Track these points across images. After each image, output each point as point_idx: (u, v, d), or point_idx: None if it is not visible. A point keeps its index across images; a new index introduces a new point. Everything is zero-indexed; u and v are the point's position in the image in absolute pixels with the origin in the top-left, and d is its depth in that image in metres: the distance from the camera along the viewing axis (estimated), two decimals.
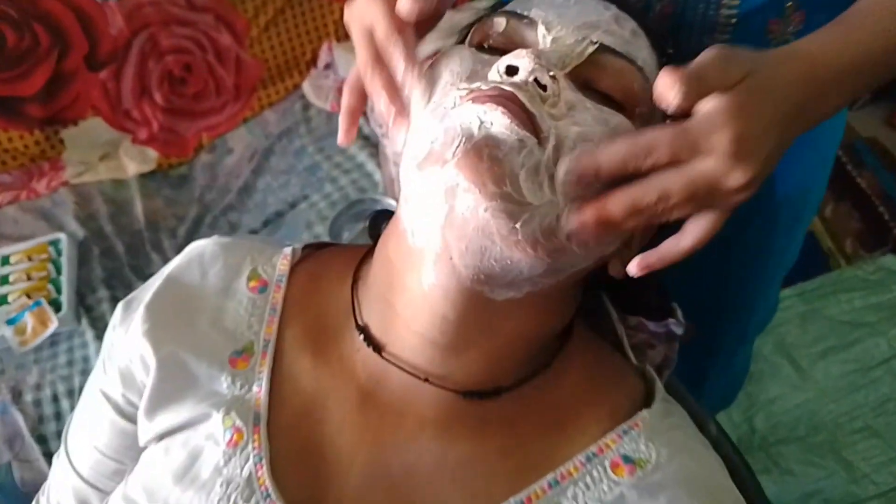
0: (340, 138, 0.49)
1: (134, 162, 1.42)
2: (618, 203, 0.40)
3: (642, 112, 0.44)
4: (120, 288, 1.22)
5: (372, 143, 1.40)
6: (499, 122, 0.40)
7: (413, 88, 0.45)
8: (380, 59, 0.45)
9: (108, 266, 1.27)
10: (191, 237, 1.34)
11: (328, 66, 1.53)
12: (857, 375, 1.44)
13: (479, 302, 0.45)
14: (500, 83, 0.41)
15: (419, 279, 0.45)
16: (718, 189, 0.40)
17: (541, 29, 0.44)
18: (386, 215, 0.56)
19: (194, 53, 1.43)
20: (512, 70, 0.42)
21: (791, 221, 0.78)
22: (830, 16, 0.59)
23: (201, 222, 1.37)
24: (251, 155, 1.46)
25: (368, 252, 0.54)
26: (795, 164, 0.63)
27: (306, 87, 1.53)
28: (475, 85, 0.42)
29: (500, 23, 0.46)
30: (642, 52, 0.46)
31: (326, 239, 1.29)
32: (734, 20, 0.58)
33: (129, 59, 1.39)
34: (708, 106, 0.39)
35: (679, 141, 0.39)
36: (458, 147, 0.40)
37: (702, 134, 0.39)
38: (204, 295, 0.54)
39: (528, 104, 0.40)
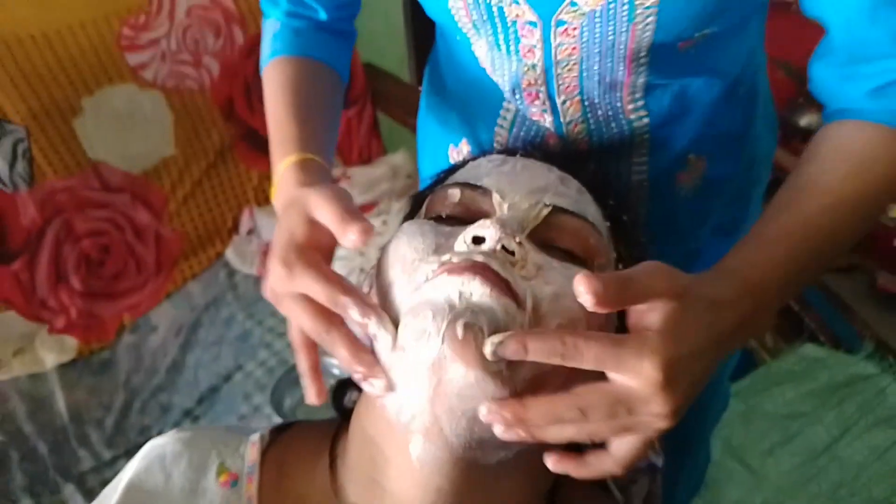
0: (311, 398, 0.47)
1: (52, 353, 1.35)
2: (538, 411, 0.40)
3: (601, 263, 0.47)
4: (46, 495, 1.12)
5: None
6: (478, 292, 0.41)
7: (382, 328, 0.43)
8: (332, 320, 0.44)
9: (30, 470, 1.17)
10: (120, 426, 1.27)
11: (251, 232, 1.54)
12: (806, 467, 1.47)
13: (472, 468, 0.44)
14: (470, 253, 0.43)
15: (407, 455, 0.44)
16: (640, 411, 0.40)
17: (495, 197, 0.47)
18: (349, 384, 0.55)
19: (111, 234, 1.41)
20: (479, 240, 0.44)
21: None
22: (728, 161, 0.65)
23: (130, 409, 1.30)
24: (177, 330, 1.43)
25: (339, 427, 0.53)
26: None
27: (230, 253, 1.53)
28: (445, 257, 0.43)
29: (455, 194, 0.49)
30: (590, 207, 0.50)
31: (267, 409, 1.25)
32: (646, 183, 0.63)
33: (42, 246, 1.35)
34: (644, 321, 0.40)
35: (607, 352, 0.39)
36: (443, 321, 0.40)
37: (631, 357, 0.39)
38: (171, 499, 0.50)
39: (501, 271, 0.42)
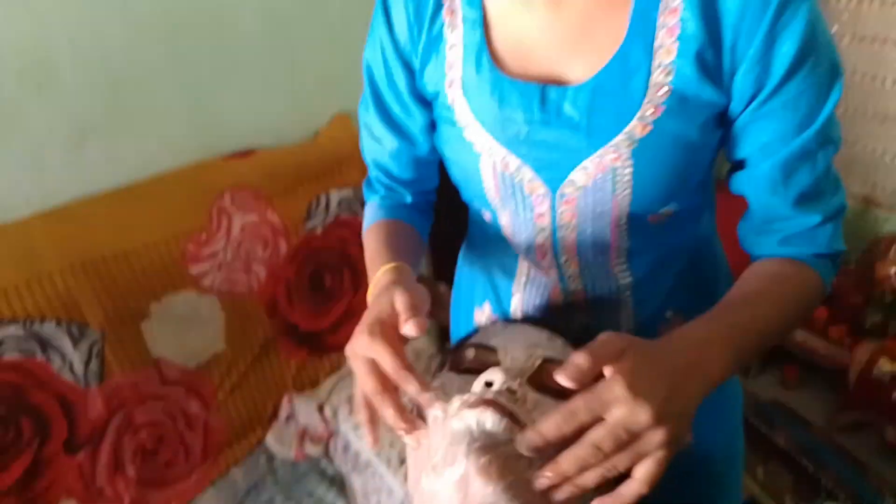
0: (370, 443, 0.64)
1: None
2: (566, 460, 0.55)
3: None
4: None
5: (338, 483, 1.50)
6: (490, 420, 0.57)
7: (431, 406, 0.61)
8: (387, 388, 0.62)
9: None
10: None
11: (289, 418, 1.68)
12: None
13: None
14: (483, 393, 0.60)
15: None
16: (633, 428, 0.54)
17: (500, 353, 0.65)
18: None
19: (166, 425, 1.56)
20: (489, 384, 0.60)
21: (720, 477, 0.92)
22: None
23: None
24: None
25: None
26: (707, 429, 0.83)
27: (270, 439, 1.66)
28: (465, 396, 0.60)
29: (471, 352, 0.67)
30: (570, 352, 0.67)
31: None
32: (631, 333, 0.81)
33: (105, 438, 1.50)
34: (606, 372, 0.56)
35: (591, 402, 0.54)
36: (464, 446, 0.55)
37: (605, 391, 0.54)
38: None
39: (506, 405, 0.58)
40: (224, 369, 1.64)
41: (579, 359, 0.55)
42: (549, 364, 0.64)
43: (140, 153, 1.57)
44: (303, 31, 1.73)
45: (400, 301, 0.64)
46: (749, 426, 2.01)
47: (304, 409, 1.65)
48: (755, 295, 0.69)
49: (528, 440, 0.55)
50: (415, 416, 0.62)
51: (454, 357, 0.68)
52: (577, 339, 0.68)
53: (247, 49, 1.66)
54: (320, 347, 1.78)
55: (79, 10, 1.44)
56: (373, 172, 0.91)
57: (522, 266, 0.85)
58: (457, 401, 0.59)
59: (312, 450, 1.60)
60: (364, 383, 0.63)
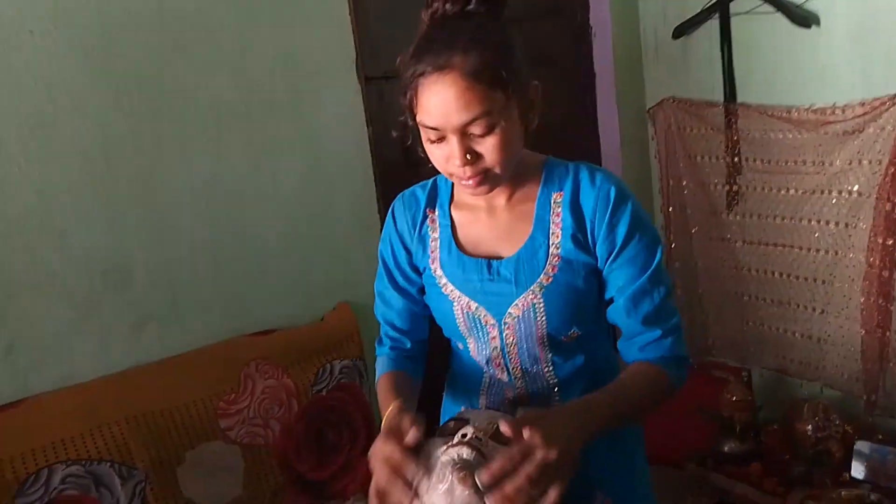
0: None
1: None
2: (509, 486, 0.85)
3: None
4: None
5: None
6: (465, 452, 0.91)
7: (422, 479, 0.91)
8: (397, 475, 0.91)
9: None
10: None
11: None
12: None
13: None
14: (460, 439, 0.94)
15: None
16: (548, 462, 0.85)
17: (471, 421, 0.98)
18: None
19: None
20: (464, 434, 0.95)
21: None
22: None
23: None
24: None
25: None
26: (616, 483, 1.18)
27: None
28: (449, 442, 0.94)
29: (451, 424, 1.01)
30: None
31: None
32: None
33: None
34: (527, 433, 0.88)
35: (522, 448, 0.87)
36: (450, 468, 0.89)
37: (529, 441, 0.87)
38: None
39: (475, 444, 0.92)
40: None
41: (504, 426, 0.92)
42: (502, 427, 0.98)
43: (186, 334, 2.00)
44: (313, 244, 2.24)
45: (406, 418, 0.96)
46: None
47: None
48: (620, 384, 1.10)
49: (484, 476, 0.87)
50: (413, 495, 0.91)
51: (440, 429, 1.03)
52: None
53: (270, 257, 2.15)
54: (322, 495, 2.06)
55: (149, 229, 1.95)
56: (382, 329, 1.32)
57: (485, 377, 1.24)
58: (443, 446, 0.94)
59: None
60: (380, 475, 0.93)
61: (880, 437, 2.29)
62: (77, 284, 1.85)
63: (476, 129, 0.99)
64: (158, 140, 1.95)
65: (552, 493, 0.88)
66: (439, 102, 0.97)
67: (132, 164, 1.91)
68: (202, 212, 2.03)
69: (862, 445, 2.27)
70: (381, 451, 0.94)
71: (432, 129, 1.01)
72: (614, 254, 1.10)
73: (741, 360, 2.77)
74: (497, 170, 1.04)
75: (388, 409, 1.09)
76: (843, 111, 2.29)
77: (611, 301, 1.13)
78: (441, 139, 1.02)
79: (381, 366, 1.28)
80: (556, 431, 0.90)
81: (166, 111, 1.96)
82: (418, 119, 1.03)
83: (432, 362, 1.34)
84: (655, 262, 1.11)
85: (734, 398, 2.51)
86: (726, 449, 2.47)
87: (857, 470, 2.26)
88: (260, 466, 1.98)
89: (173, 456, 1.85)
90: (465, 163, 1.02)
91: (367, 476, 2.07)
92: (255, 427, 1.98)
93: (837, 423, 2.38)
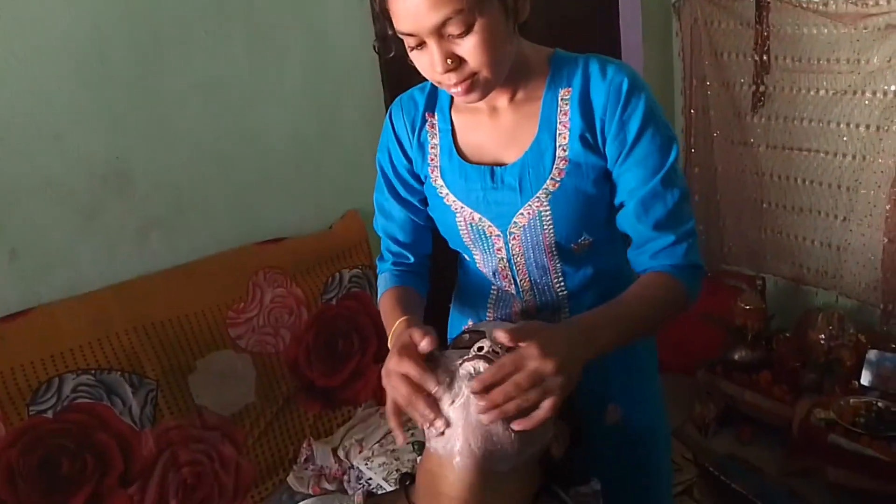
0: (399, 442, 0.92)
1: None
2: (497, 392, 0.83)
3: None
4: None
5: None
6: (482, 366, 0.87)
7: (442, 394, 0.88)
8: (419, 390, 0.87)
9: None
10: None
11: (307, 460, 1.96)
12: None
13: (488, 472, 0.87)
14: (477, 353, 0.90)
15: (452, 467, 0.86)
16: (543, 374, 0.81)
17: (486, 333, 0.93)
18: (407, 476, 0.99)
19: (204, 464, 1.85)
20: (481, 348, 0.91)
21: (649, 452, 1.20)
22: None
23: None
24: None
25: (406, 487, 0.96)
26: (636, 417, 1.15)
27: (291, 479, 1.93)
28: (466, 355, 0.90)
29: (466, 336, 0.95)
30: None
31: None
32: None
33: (153, 474, 1.78)
34: (524, 343, 0.84)
35: (515, 358, 0.83)
36: (466, 381, 0.86)
37: (524, 350, 0.83)
38: None
39: (492, 357, 0.88)
40: (254, 418, 1.94)
41: (502, 334, 0.86)
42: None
43: (192, 241, 1.96)
44: (321, 151, 2.16)
45: (416, 332, 0.91)
46: (710, 477, 2.29)
47: (320, 453, 1.94)
48: (631, 296, 1.02)
49: (473, 384, 0.85)
50: (436, 405, 0.87)
51: (454, 341, 0.98)
52: None
53: (278, 163, 2.09)
54: (333, 401, 2.09)
55: (149, 131, 1.87)
56: (384, 245, 1.25)
57: (493, 291, 1.19)
58: (459, 359, 0.90)
59: (329, 487, 1.87)
60: (397, 392, 0.89)
61: (894, 346, 2.28)
62: (78, 189, 1.79)
63: (453, 29, 0.89)
64: (155, 36, 1.84)
65: (546, 404, 0.84)
66: (408, 5, 0.88)
67: (128, 62, 1.81)
68: (203, 112, 1.94)
69: (873, 354, 2.26)
70: (397, 368, 0.89)
71: (408, 35, 0.92)
72: (624, 153, 1.01)
73: (756, 268, 2.73)
74: (485, 73, 0.94)
75: (395, 325, 1.05)
76: (889, 1, 2.13)
77: (620, 207, 1.06)
78: (420, 45, 0.93)
79: (384, 282, 1.21)
80: (556, 344, 0.86)
81: (163, 4, 1.83)
82: (395, 27, 0.93)
83: (438, 276, 1.28)
84: (669, 161, 1.02)
85: (747, 306, 2.49)
86: (737, 356, 2.46)
87: (867, 378, 2.26)
88: (271, 374, 1.98)
89: (184, 364, 1.86)
90: (448, 69, 0.93)
91: (378, 383, 2.04)
92: (265, 336, 1.97)
93: (851, 331, 2.36)
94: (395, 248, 1.24)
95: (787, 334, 2.53)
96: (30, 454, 1.64)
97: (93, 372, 1.74)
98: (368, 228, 2.13)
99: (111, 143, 1.82)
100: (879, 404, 2.15)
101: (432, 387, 0.88)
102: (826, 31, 2.33)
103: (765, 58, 2.50)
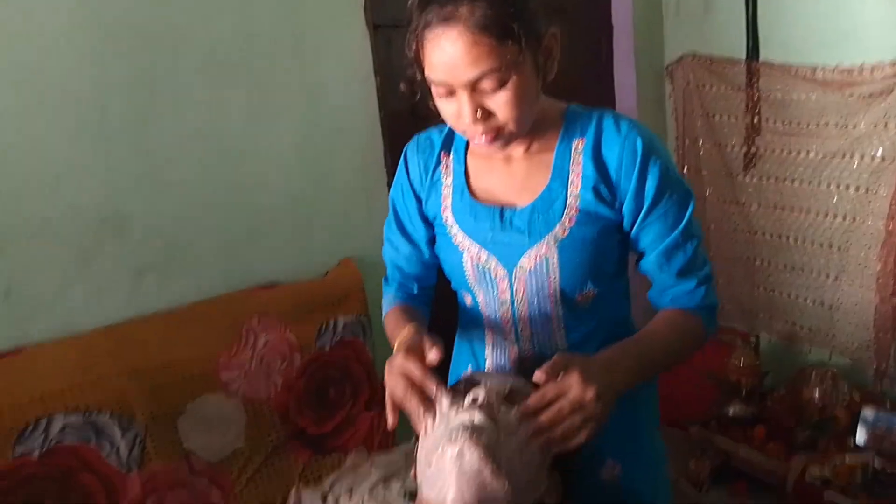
0: (391, 425, 0.95)
1: None
2: (546, 416, 0.87)
3: None
4: None
5: None
6: (478, 417, 0.88)
7: (442, 398, 0.93)
8: (415, 388, 0.92)
9: None
10: None
11: None
12: None
13: None
14: (472, 403, 0.91)
15: None
16: (583, 402, 0.86)
17: (482, 383, 0.95)
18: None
19: None
20: (475, 398, 0.92)
21: None
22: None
23: None
24: None
25: None
26: (640, 481, 1.16)
27: None
28: (461, 404, 0.91)
29: (461, 385, 0.96)
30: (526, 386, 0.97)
31: None
32: None
33: None
34: (565, 371, 0.88)
35: (557, 386, 0.87)
36: (461, 431, 0.87)
37: (566, 381, 0.87)
38: None
39: (487, 409, 0.89)
40: (242, 464, 1.92)
41: (545, 371, 0.90)
42: (514, 390, 0.94)
43: (186, 287, 1.96)
44: (316, 200, 2.18)
45: (426, 339, 0.95)
46: None
47: (309, 501, 1.90)
48: (651, 333, 1.06)
49: (519, 409, 0.88)
50: (431, 405, 0.92)
51: (454, 388, 0.97)
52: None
53: (273, 212, 2.10)
54: (323, 448, 2.06)
55: (146, 179, 1.89)
56: (390, 272, 1.29)
57: (492, 337, 1.18)
58: (454, 409, 0.91)
59: None
60: (396, 388, 0.94)
61: (888, 405, 2.26)
62: (74, 232, 1.80)
63: (486, 85, 0.94)
64: (153, 87, 1.88)
65: (581, 435, 0.87)
66: (445, 57, 0.91)
67: (126, 113, 1.84)
68: (199, 163, 1.97)
69: (868, 412, 2.25)
70: (402, 366, 0.93)
71: (440, 84, 0.96)
72: (644, 212, 1.05)
73: (750, 325, 2.74)
74: (511, 126, 0.99)
75: (404, 331, 1.07)
76: (872, 72, 2.20)
77: (642, 255, 1.10)
78: (450, 94, 0.96)
79: (389, 302, 1.26)
80: (594, 373, 0.89)
81: (162, 57, 1.89)
82: (426, 73, 0.97)
83: (444, 304, 1.31)
84: (688, 215, 1.07)
85: (741, 363, 2.49)
86: (731, 412, 2.45)
87: (862, 436, 2.24)
88: (261, 420, 1.97)
89: (174, 407, 1.84)
90: (476, 120, 0.97)
91: (369, 432, 2.04)
92: (256, 381, 1.97)
93: (845, 390, 2.36)
94: (399, 277, 1.28)
95: (782, 391, 2.52)
96: (12, 495, 1.62)
97: (82, 413, 1.73)
98: (364, 276, 2.15)
99: (108, 190, 1.84)
100: (875, 464, 2.13)
101: (431, 390, 0.92)
102: (815, 96, 2.39)
103: (755, 120, 2.57)
